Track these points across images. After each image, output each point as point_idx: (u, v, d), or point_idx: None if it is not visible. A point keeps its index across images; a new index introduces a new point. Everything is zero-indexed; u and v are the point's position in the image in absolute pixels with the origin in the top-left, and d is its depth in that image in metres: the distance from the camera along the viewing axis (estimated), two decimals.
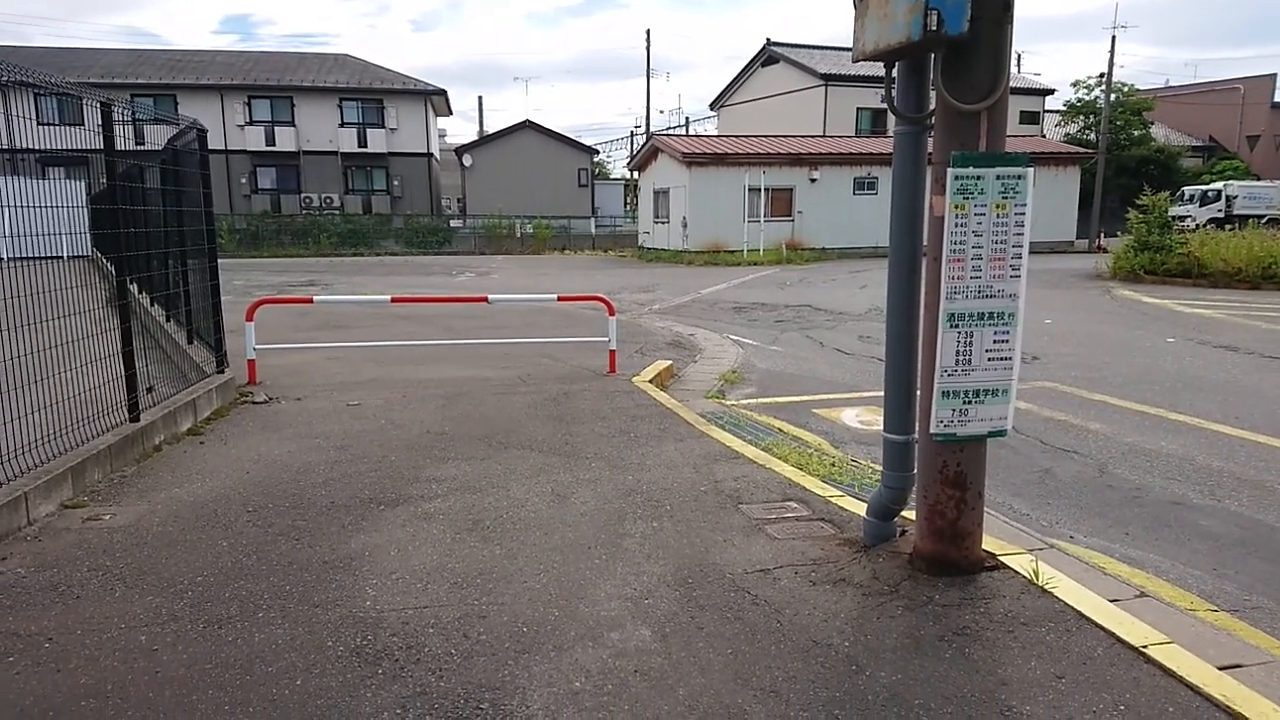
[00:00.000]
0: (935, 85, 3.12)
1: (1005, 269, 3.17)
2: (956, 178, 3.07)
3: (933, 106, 3.28)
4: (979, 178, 3.08)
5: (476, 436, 5.95)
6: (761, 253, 27.51)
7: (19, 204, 4.49)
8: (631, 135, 58.34)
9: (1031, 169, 3.14)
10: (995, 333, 3.21)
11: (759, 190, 27.94)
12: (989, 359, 3.22)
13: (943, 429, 3.24)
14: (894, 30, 3.07)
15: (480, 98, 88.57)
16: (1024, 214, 3.16)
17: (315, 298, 10.06)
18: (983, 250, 3.13)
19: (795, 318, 13.82)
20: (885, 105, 3.37)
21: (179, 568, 3.68)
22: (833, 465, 5.37)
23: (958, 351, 3.19)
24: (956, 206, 3.09)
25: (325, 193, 37.56)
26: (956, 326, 3.18)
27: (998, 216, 3.13)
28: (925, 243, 3.37)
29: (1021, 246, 3.18)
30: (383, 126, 37.88)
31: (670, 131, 50.09)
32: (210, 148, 6.93)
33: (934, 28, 2.88)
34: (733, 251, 27.62)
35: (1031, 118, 38.88)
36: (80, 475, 4.59)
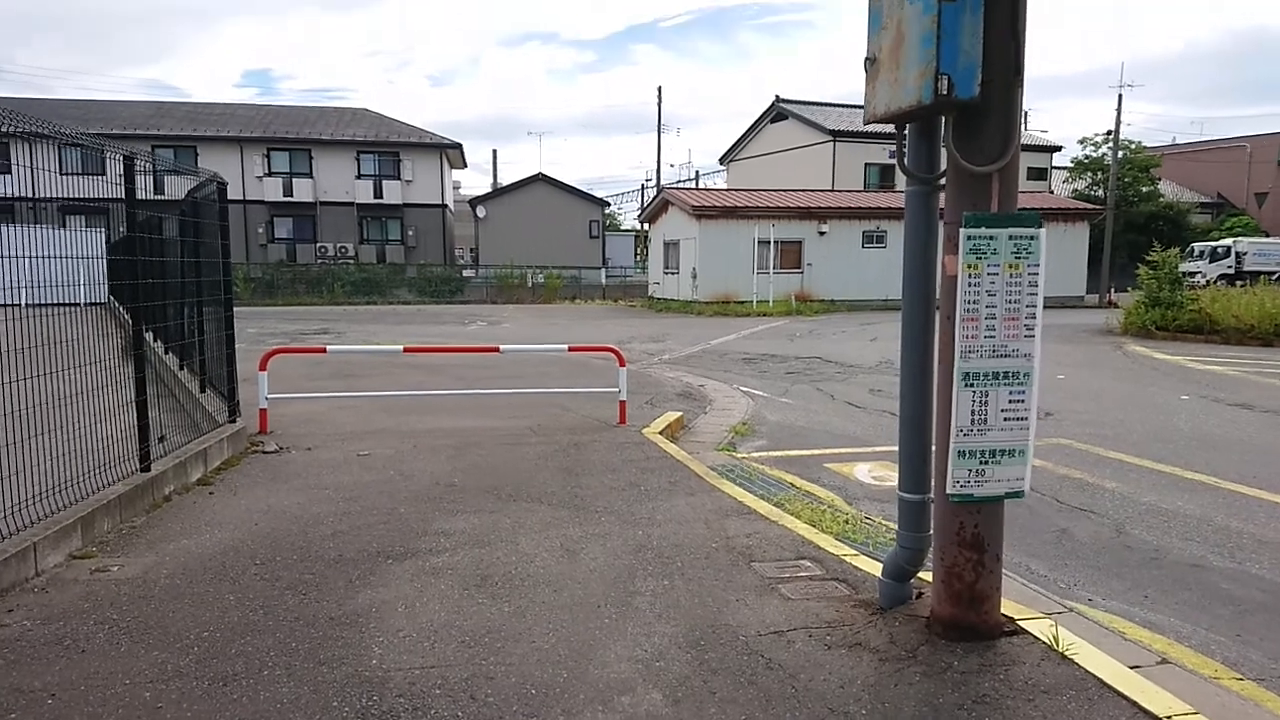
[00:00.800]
0: (946, 147, 3.16)
1: (1019, 328, 3.17)
2: (969, 238, 3.09)
3: (944, 167, 3.32)
4: (991, 238, 3.10)
5: (486, 488, 5.92)
6: (771, 304, 27.62)
7: (39, 253, 4.57)
8: (642, 188, 59.15)
9: (1043, 229, 3.16)
10: (1010, 392, 3.19)
11: (768, 243, 28.16)
12: (1005, 419, 3.20)
13: (959, 489, 3.20)
14: (905, 94, 3.12)
15: (495, 150, 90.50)
16: (1037, 274, 3.17)
17: (329, 347, 10.13)
18: (996, 310, 3.13)
19: (806, 370, 13.81)
20: (893, 161, 3.41)
21: (186, 622, 3.64)
22: (846, 522, 5.31)
23: (973, 411, 3.17)
24: (970, 266, 3.10)
25: (340, 242, 38.08)
26: (971, 386, 3.16)
27: (1011, 276, 3.13)
28: (938, 301, 3.38)
29: (1035, 306, 3.18)
30: (398, 178, 38.53)
31: (680, 185, 50.76)
32: (229, 198, 7.06)
33: (945, 92, 2.92)
34: (742, 302, 27.73)
35: (1039, 174, 39.26)
36: (90, 525, 4.57)
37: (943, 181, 3.33)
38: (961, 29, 2.91)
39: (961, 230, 3.09)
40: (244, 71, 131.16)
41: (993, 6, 2.96)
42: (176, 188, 7.46)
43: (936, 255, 3.39)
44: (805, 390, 11.66)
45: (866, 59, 3.36)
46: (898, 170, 3.54)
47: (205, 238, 7.02)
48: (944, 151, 3.27)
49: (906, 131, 3.43)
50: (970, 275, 3.10)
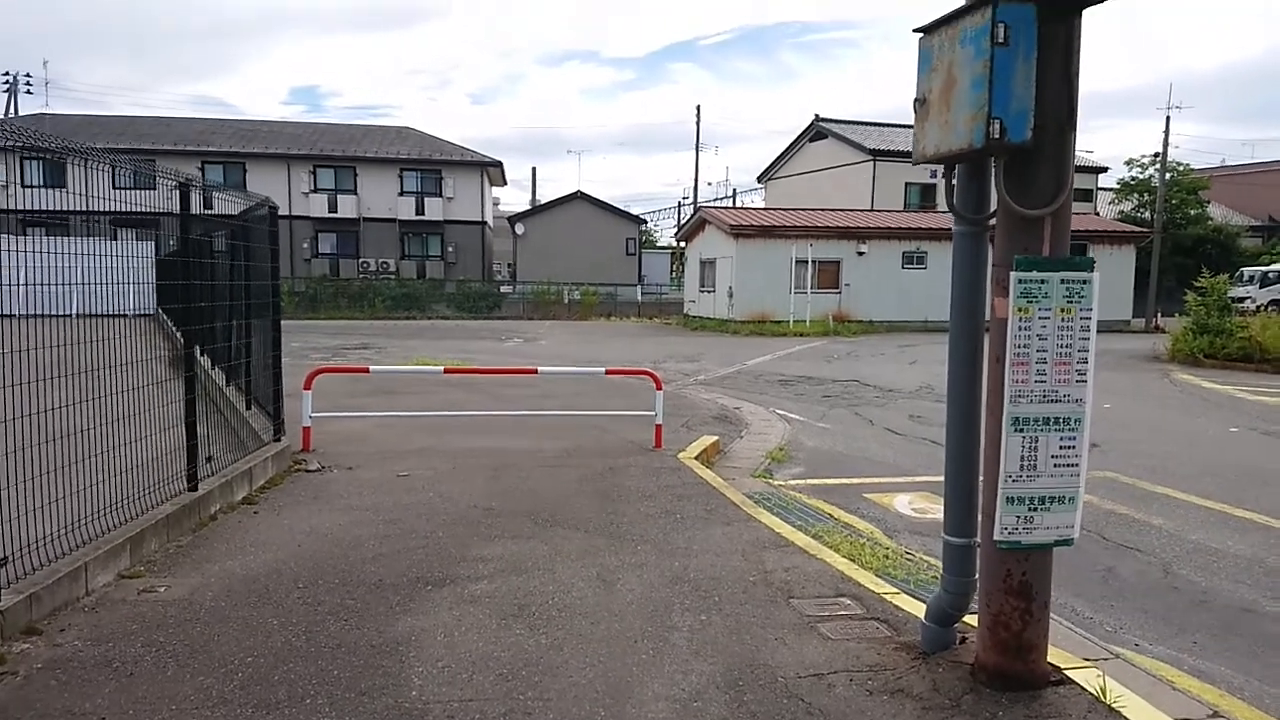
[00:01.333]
0: (997, 189, 3.13)
1: (1071, 373, 3.12)
2: (1020, 281, 3.05)
3: (993, 208, 3.29)
4: (1043, 281, 3.06)
5: (523, 513, 5.94)
6: (808, 324, 27.45)
7: (93, 264, 4.70)
8: (679, 205, 59.29)
9: (1097, 274, 3.11)
10: (1061, 438, 3.14)
11: (806, 262, 28.03)
12: (1055, 465, 3.14)
13: (1007, 536, 3.15)
14: (955, 137, 3.10)
15: (534, 168, 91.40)
16: (1090, 318, 3.12)
17: (372, 368, 10.27)
18: (1047, 354, 3.09)
19: (843, 393, 13.69)
20: (934, 180, 3.40)
21: (230, 646, 3.70)
22: (886, 558, 5.24)
23: (1022, 456, 3.12)
24: (1020, 310, 3.06)
25: (382, 258, 38.66)
26: (1021, 430, 3.12)
27: (1063, 320, 3.09)
28: (987, 343, 3.34)
29: (1087, 351, 3.13)
30: (440, 195, 39.07)
31: (717, 203, 50.82)
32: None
33: (996, 136, 2.90)
34: (779, 322, 27.60)
35: (1084, 195, 38.61)
36: (139, 545, 4.68)
37: (992, 222, 3.30)
38: (1014, 74, 2.89)
39: (1012, 274, 3.05)
40: (291, 88, 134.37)
41: (1046, 51, 2.93)
42: (229, 204, 7.63)
43: (986, 298, 3.35)
44: (843, 415, 11.56)
45: (916, 100, 3.35)
46: (939, 195, 3.52)
47: (255, 261, 7.17)
48: (994, 192, 3.24)
49: (956, 171, 3.41)
50: (1021, 319, 3.06)
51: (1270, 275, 35.27)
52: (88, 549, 4.28)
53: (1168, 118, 34.87)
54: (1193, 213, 39.92)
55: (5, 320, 3.83)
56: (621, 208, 44.08)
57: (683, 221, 43.23)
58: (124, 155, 4.97)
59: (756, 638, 3.88)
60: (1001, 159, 3.10)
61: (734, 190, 60.71)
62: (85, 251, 4.78)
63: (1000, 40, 2.86)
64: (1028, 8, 2.92)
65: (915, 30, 3.34)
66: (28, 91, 49.61)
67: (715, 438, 9.13)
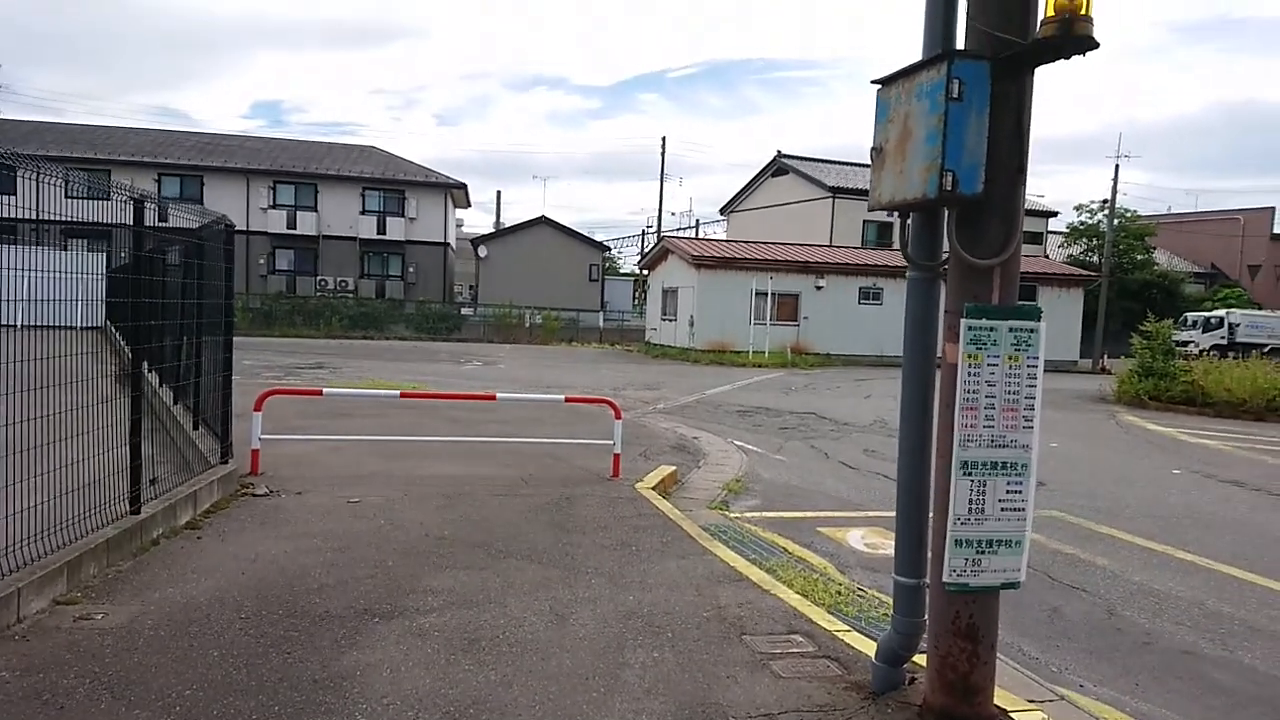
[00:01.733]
0: (949, 239, 3.22)
1: (1018, 419, 3.20)
2: (970, 328, 3.13)
3: (946, 254, 3.37)
4: (992, 329, 3.14)
5: (476, 543, 5.88)
6: (767, 355, 27.72)
7: (39, 274, 4.58)
8: (643, 234, 59.64)
9: (1044, 323, 3.21)
10: (1008, 483, 3.21)
11: (766, 294, 28.36)
12: (1002, 509, 3.21)
13: (955, 578, 3.20)
14: (909, 186, 3.18)
15: (499, 192, 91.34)
16: (1036, 366, 3.21)
17: (325, 390, 10.12)
18: (995, 400, 3.16)
19: (800, 425, 13.81)
20: (892, 219, 3.48)
21: (168, 678, 3.58)
22: (838, 594, 5.27)
23: (970, 500, 3.18)
24: (970, 357, 3.13)
25: (341, 276, 38.23)
26: (970, 474, 3.18)
27: (1010, 368, 3.17)
28: (938, 388, 3.40)
29: (1034, 398, 3.21)
30: (402, 216, 38.85)
31: (680, 233, 51.24)
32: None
33: (949, 188, 2.99)
34: (738, 352, 27.84)
35: (1034, 238, 39.73)
36: (76, 570, 4.52)
37: (944, 270, 3.39)
38: (967, 128, 2.98)
39: (962, 321, 3.13)
40: (253, 103, 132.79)
41: (998, 107, 3.04)
42: (185, 219, 7.50)
43: (937, 343, 3.42)
44: (799, 447, 11.66)
45: (873, 149, 3.43)
46: (896, 233, 3.61)
47: (209, 278, 7.05)
48: (946, 240, 3.32)
49: (910, 219, 3.49)
50: (970, 365, 3.14)
51: (1212, 321, 36.57)
52: (21, 573, 4.13)
53: (1116, 166, 36.16)
54: (1139, 258, 41.30)
55: None
56: (585, 234, 44.26)
57: (646, 250, 43.51)
58: (77, 165, 4.86)
59: (709, 675, 3.87)
60: (954, 209, 3.19)
61: (697, 221, 61.33)
62: (35, 265, 4.67)
63: (955, 96, 2.96)
64: (982, 65, 3.03)
65: (873, 82, 3.43)
66: None
67: (673, 468, 9.14)
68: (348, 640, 4.09)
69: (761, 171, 43.00)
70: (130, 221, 5.50)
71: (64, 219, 4.71)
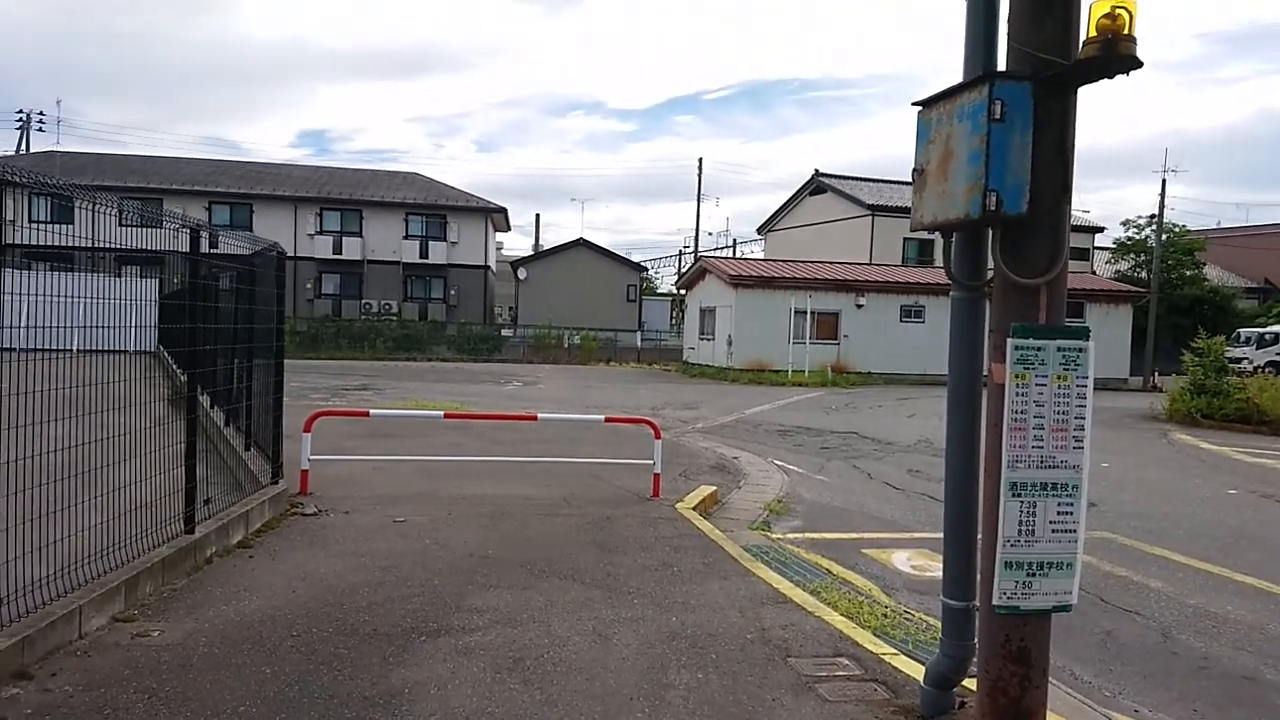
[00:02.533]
0: (994, 258, 3.20)
1: (1068, 439, 3.16)
2: (1017, 348, 3.11)
3: (990, 274, 3.36)
4: (1040, 349, 3.11)
5: (519, 562, 5.92)
6: (806, 374, 27.54)
7: (95, 301, 4.74)
8: (680, 254, 59.85)
9: (1092, 342, 3.17)
10: (1059, 504, 3.16)
11: (805, 313, 28.23)
12: (1053, 530, 3.16)
13: (1006, 601, 3.16)
14: (952, 207, 3.18)
15: (537, 215, 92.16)
16: (1085, 385, 3.17)
17: (371, 411, 10.29)
18: (1044, 421, 3.13)
19: (841, 445, 13.69)
20: (932, 236, 3.46)
21: (222, 695, 3.67)
22: (885, 616, 5.22)
23: (1020, 521, 3.14)
24: (1017, 377, 3.11)
25: (385, 299, 38.89)
26: (1019, 496, 3.14)
27: (1059, 388, 3.13)
28: (985, 408, 3.38)
29: (1084, 418, 3.17)
30: (444, 240, 39.48)
31: (718, 253, 51.30)
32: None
33: (993, 208, 2.98)
34: (777, 371, 27.69)
35: (1081, 254, 39.02)
36: (133, 588, 4.65)
37: (989, 290, 3.37)
38: (1010, 149, 2.98)
39: (1009, 341, 3.11)
40: (299, 132, 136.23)
41: (1041, 127, 3.03)
42: (234, 246, 7.72)
43: (983, 363, 3.40)
44: (841, 467, 11.55)
45: (914, 170, 3.44)
46: (937, 251, 3.60)
47: (260, 304, 7.24)
48: (990, 258, 3.30)
49: (953, 239, 3.48)
50: (1018, 385, 3.11)
51: (1267, 337, 35.47)
52: (82, 591, 4.26)
53: (1164, 180, 35.42)
54: (1188, 273, 40.31)
55: (5, 354, 3.86)
56: (623, 254, 44.59)
57: (683, 270, 43.60)
58: (131, 194, 5.04)
59: (754, 698, 3.86)
60: (998, 229, 3.17)
61: (734, 240, 61.34)
62: (90, 292, 4.83)
63: (997, 117, 2.96)
64: (1024, 86, 3.03)
65: (914, 104, 3.44)
66: (40, 129, 50.26)
67: (714, 488, 9.12)
68: (396, 658, 4.15)
69: (799, 190, 42.90)
70: (186, 249, 5.69)
71: (118, 247, 4.88)
